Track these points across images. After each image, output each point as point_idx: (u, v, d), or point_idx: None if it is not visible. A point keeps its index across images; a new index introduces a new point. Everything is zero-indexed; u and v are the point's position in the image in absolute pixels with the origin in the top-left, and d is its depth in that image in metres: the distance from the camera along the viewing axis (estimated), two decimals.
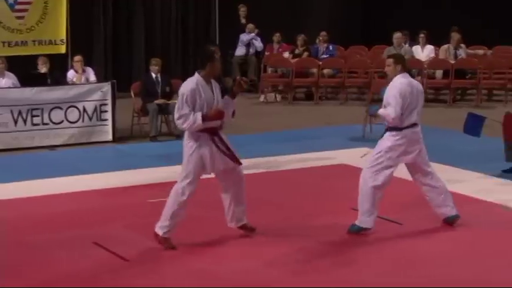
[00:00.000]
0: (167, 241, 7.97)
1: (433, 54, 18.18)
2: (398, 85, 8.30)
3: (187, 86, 7.82)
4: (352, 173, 9.62)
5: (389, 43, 18.07)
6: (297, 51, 18.65)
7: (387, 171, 8.33)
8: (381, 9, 22.08)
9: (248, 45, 19.17)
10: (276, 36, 19.27)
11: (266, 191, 9.95)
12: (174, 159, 11.92)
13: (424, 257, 7.75)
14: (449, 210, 8.62)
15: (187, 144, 7.88)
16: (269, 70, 18.80)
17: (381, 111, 8.41)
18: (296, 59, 18.33)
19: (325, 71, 18.22)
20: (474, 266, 7.54)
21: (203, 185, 8.11)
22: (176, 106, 7.85)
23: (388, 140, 8.36)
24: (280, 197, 9.89)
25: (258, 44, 19.19)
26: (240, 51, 19.18)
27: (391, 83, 8.42)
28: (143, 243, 8.12)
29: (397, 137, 8.31)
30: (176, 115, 7.80)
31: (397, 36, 17.91)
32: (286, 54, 18.76)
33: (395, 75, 8.39)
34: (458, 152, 12.12)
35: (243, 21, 19.45)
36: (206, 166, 7.88)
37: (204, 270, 7.41)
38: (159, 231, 7.97)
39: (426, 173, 8.54)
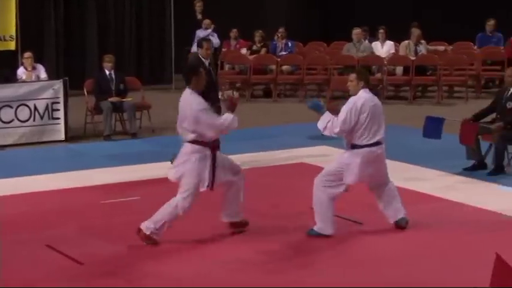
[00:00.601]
0: (150, 238, 7.97)
1: (393, 50, 18.11)
2: (361, 99, 8.11)
3: (199, 100, 7.95)
4: (311, 171, 9.52)
5: (349, 39, 17.98)
6: (254, 48, 18.56)
7: (341, 188, 8.19)
8: (339, 5, 21.99)
9: None
10: (233, 32, 19.11)
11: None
12: (129, 159, 11.81)
13: (384, 257, 7.70)
14: (397, 214, 8.47)
15: (190, 159, 7.93)
16: (226, 67, 18.64)
17: (322, 123, 8.18)
18: (254, 56, 18.23)
19: (284, 67, 18.12)
20: (433, 265, 7.48)
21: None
22: (209, 123, 7.88)
23: (350, 156, 8.16)
24: None
25: (215, 40, 18.90)
26: (196, 47, 18.89)
27: (354, 96, 8.23)
28: (98, 245, 8.01)
29: (359, 156, 8.12)
30: (217, 127, 7.93)
31: (356, 32, 17.86)
32: (244, 51, 18.64)
33: (358, 91, 8.21)
34: (418, 150, 12.08)
35: (199, 16, 19.22)
36: (204, 181, 7.96)
37: (158, 273, 7.25)
38: (146, 230, 7.95)
39: (380, 187, 8.42)
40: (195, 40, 18.92)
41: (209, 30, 18.88)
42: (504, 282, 5.10)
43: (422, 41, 17.95)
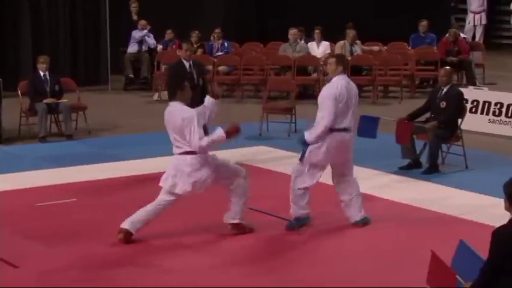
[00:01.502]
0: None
1: (328, 50, 18.18)
2: (335, 87, 8.34)
3: (190, 110, 8.08)
4: (249, 172, 9.43)
5: (285, 39, 18.00)
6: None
7: (318, 173, 8.48)
8: (276, 5, 22.04)
9: (141, 42, 18.83)
10: (168, 34, 18.97)
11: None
12: (65, 160, 11.65)
13: (317, 257, 7.81)
14: (356, 215, 8.69)
15: (196, 167, 8.11)
16: (163, 67, 18.48)
17: (311, 134, 8.39)
18: None
19: (220, 68, 18.07)
20: (369, 264, 7.56)
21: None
22: (191, 132, 7.95)
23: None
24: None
25: (151, 40, 18.88)
26: (132, 48, 18.83)
27: (328, 84, 8.46)
28: (33, 248, 7.94)
29: (328, 139, 8.37)
30: (196, 140, 7.94)
31: (292, 32, 17.88)
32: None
33: (335, 76, 8.44)
34: (354, 149, 11.98)
35: (135, 17, 19.12)
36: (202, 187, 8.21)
37: (104, 276, 7.22)
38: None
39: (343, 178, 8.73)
40: (131, 41, 18.86)
41: (145, 31, 18.80)
42: (439, 279, 5.19)
43: (358, 41, 18.08)
